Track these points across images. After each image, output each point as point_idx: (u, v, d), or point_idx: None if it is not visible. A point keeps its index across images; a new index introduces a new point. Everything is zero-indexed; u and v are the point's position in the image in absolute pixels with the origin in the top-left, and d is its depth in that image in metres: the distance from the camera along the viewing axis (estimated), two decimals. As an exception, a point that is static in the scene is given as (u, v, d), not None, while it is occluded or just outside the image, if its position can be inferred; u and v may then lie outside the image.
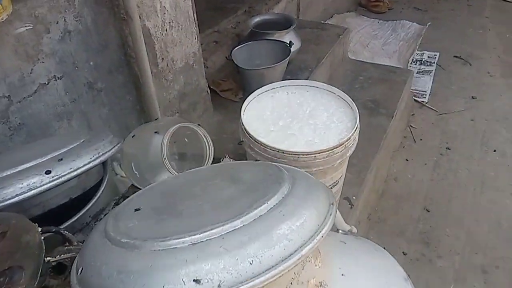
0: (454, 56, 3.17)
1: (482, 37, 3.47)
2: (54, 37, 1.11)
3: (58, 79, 1.17)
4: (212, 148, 0.87)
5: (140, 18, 1.30)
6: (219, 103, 2.00)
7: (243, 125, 1.40)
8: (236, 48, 1.98)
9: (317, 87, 1.59)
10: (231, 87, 2.12)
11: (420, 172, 2.18)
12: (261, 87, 1.97)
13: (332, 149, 1.29)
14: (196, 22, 1.61)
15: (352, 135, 1.35)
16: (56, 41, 1.12)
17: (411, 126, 2.49)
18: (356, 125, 1.37)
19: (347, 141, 1.32)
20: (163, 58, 1.47)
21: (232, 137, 1.81)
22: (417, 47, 3.28)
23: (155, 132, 0.82)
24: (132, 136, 0.91)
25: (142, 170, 0.83)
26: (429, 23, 3.60)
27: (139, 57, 1.31)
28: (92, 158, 0.80)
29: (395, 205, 2.00)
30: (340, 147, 1.31)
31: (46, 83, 1.14)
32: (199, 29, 1.64)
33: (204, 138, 0.88)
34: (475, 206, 1.97)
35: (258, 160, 1.36)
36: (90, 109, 1.30)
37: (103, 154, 0.82)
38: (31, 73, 1.09)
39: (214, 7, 2.64)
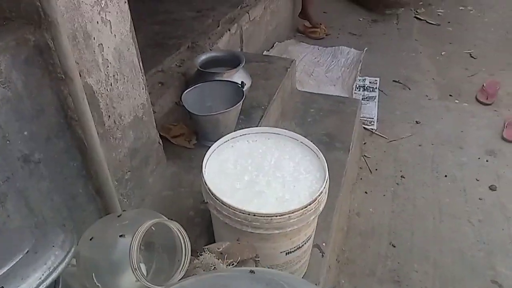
0: (393, 81, 3.28)
1: (415, 60, 3.63)
2: (-23, 111, 0.92)
3: (-15, 158, 0.97)
4: (189, 247, 0.73)
5: (80, 75, 1.14)
6: (172, 152, 1.85)
7: (206, 184, 1.27)
8: (186, 91, 1.85)
9: (278, 134, 1.51)
10: (182, 131, 1.98)
11: (380, 205, 2.17)
12: (216, 131, 1.87)
13: (305, 207, 1.20)
14: (143, 71, 1.47)
15: (324, 188, 1.27)
16: (-21, 114, 0.93)
17: (365, 156, 2.50)
18: (326, 178, 1.29)
19: (319, 195, 1.24)
20: (109, 116, 1.31)
21: (191, 191, 1.67)
22: (358, 73, 3.35)
23: (120, 236, 0.68)
24: (90, 239, 0.75)
25: (106, 281, 0.68)
26: (366, 48, 3.70)
27: (83, 119, 1.14)
28: (43, 277, 0.63)
29: (361, 243, 1.95)
30: (314, 203, 1.22)
31: (-31, 165, 0.94)
32: (143, 72, 1.50)
33: (180, 236, 0.74)
34: (437, 236, 1.98)
35: (226, 223, 1.23)
36: (27, 185, 1.10)
37: (55, 268, 0.65)
38: None
39: (154, 43, 2.49)
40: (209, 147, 1.84)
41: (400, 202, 2.19)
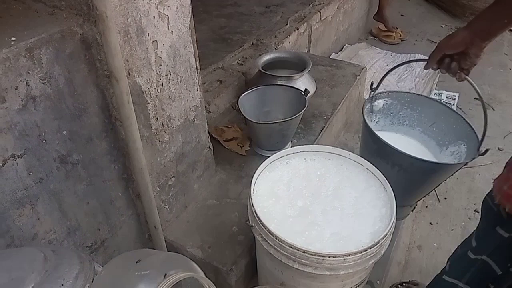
0: (475, 98, 2.93)
1: (503, 77, 3.23)
2: (12, 107, 0.84)
3: (18, 157, 0.89)
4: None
5: (129, 74, 1.03)
6: (222, 157, 1.73)
7: (253, 207, 1.13)
8: (243, 94, 1.72)
9: (341, 156, 1.33)
10: (236, 135, 1.85)
11: (447, 240, 1.91)
12: (272, 140, 1.72)
13: (365, 250, 1.02)
14: (199, 70, 1.35)
15: (389, 230, 1.08)
16: (14, 111, 0.85)
17: (434, 181, 2.23)
18: (393, 218, 1.10)
19: (383, 238, 1.06)
20: (157, 118, 1.21)
21: (237, 203, 1.53)
22: (435, 85, 3.04)
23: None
24: (103, 276, 0.63)
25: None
26: (446, 59, 3.35)
27: (126, 122, 1.04)
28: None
29: (420, 282, 1.72)
30: (375, 247, 1.04)
31: (1, 164, 0.86)
32: (200, 65, 1.37)
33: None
34: None
35: (271, 254, 1.09)
36: (62, 187, 1.02)
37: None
38: (-22, 155, 0.82)
39: (218, 38, 2.39)
40: (263, 156, 1.73)
41: (470, 241, 1.91)
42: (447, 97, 2.95)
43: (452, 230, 1.97)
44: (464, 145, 1.55)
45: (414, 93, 1.71)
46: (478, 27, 1.07)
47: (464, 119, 1.56)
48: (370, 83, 1.61)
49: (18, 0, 0.99)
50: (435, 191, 2.17)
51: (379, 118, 1.73)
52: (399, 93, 1.71)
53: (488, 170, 2.31)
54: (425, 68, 1.25)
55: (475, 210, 2.06)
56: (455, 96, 2.96)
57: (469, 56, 1.11)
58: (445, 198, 2.14)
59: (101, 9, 0.84)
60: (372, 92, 1.61)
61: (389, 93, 1.70)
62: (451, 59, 1.16)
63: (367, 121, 1.50)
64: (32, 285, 0.59)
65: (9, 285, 0.60)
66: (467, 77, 1.19)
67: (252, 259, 1.40)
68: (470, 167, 2.33)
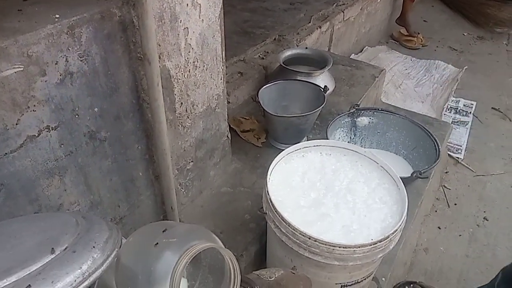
0: (493, 108, 2.93)
1: (522, 88, 3.22)
2: (51, 81, 0.89)
3: (52, 129, 0.94)
4: (239, 279, 0.63)
5: (160, 58, 1.08)
6: (239, 147, 1.77)
7: (268, 194, 1.17)
8: (264, 87, 1.76)
9: (356, 152, 1.36)
10: (253, 127, 1.89)
11: (454, 245, 1.93)
12: (288, 134, 1.76)
13: (375, 243, 1.05)
14: (224, 60, 1.39)
15: (400, 226, 1.11)
16: (53, 85, 0.90)
17: (445, 187, 2.25)
18: (404, 215, 1.13)
19: (393, 233, 1.09)
20: (182, 103, 1.25)
21: (251, 192, 1.58)
22: (453, 92, 3.04)
23: (166, 252, 0.59)
24: (131, 242, 0.68)
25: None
26: (466, 67, 3.36)
27: (154, 104, 1.08)
28: (75, 284, 0.57)
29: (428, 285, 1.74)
30: (385, 241, 1.07)
31: (36, 135, 0.91)
32: (224, 57, 1.42)
33: (231, 266, 0.64)
34: (517, 296, 1.71)
35: (283, 241, 1.13)
36: (89, 162, 1.07)
37: (90, 274, 0.59)
38: (17, 124, 0.86)
39: (241, 31, 2.43)
40: (278, 149, 1.77)
41: (477, 247, 1.93)
42: (464, 105, 2.96)
43: (460, 235, 1.99)
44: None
45: (398, 115, 1.75)
46: None
47: (435, 145, 1.58)
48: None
49: (60, -20, 1.04)
50: (445, 196, 2.19)
51: (365, 135, 1.79)
52: (384, 114, 1.74)
53: (500, 179, 2.32)
54: None
55: (484, 218, 2.08)
56: (473, 104, 2.97)
57: None
58: (455, 204, 2.16)
59: (141, -7, 0.88)
60: (354, 109, 1.67)
61: (374, 112, 1.75)
62: None
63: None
64: (66, 245, 0.63)
65: (45, 243, 0.64)
66: None
67: (262, 247, 1.44)
68: (482, 175, 2.34)
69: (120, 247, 0.68)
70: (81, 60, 0.93)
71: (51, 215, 0.80)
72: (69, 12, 0.89)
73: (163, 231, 0.62)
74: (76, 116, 0.98)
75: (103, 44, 0.97)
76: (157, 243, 0.60)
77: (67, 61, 0.90)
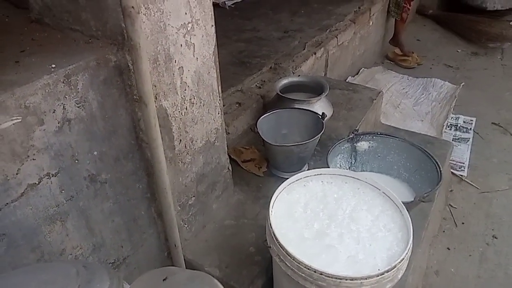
0: (493, 123, 2.93)
1: (520, 102, 3.23)
2: (50, 129, 0.90)
3: (52, 176, 0.95)
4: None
5: (156, 99, 1.09)
6: (240, 177, 1.77)
7: (271, 228, 1.16)
8: (262, 117, 1.77)
9: (357, 179, 1.35)
10: (254, 156, 1.90)
11: (464, 266, 1.90)
12: (289, 162, 1.76)
13: (382, 274, 1.04)
14: (221, 95, 1.41)
15: (406, 254, 1.09)
16: (51, 133, 0.91)
17: (451, 206, 2.22)
18: (410, 242, 1.11)
19: (400, 262, 1.07)
20: (181, 140, 1.26)
21: (254, 224, 1.57)
22: (452, 110, 3.05)
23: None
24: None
25: None
26: (463, 83, 3.37)
27: (153, 144, 1.09)
28: None
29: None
30: (392, 270, 1.05)
31: (37, 182, 0.92)
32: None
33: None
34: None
35: (288, 275, 1.11)
36: (90, 205, 1.07)
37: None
38: (17, 173, 0.87)
39: (237, 62, 2.46)
40: (280, 178, 1.77)
41: (489, 267, 1.89)
42: (464, 122, 2.96)
43: (470, 255, 1.95)
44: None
45: (398, 138, 1.75)
46: None
47: (437, 167, 1.57)
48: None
49: (57, 29, 1.06)
50: (452, 216, 2.17)
51: (365, 159, 1.79)
52: (383, 138, 1.75)
53: (505, 195, 2.29)
54: None
55: (493, 236, 2.04)
56: (472, 120, 2.97)
57: None
58: (463, 223, 2.13)
59: (135, 40, 0.90)
60: (353, 134, 1.69)
61: (374, 136, 1.75)
62: None
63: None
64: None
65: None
66: None
67: (268, 279, 1.42)
68: (488, 192, 2.32)
69: (122, 296, 0.67)
70: (78, 107, 0.95)
71: (52, 266, 0.80)
72: (65, 60, 0.91)
73: (163, 280, 0.61)
74: (76, 161, 0.99)
75: (99, 89, 0.98)
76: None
77: (65, 109, 0.92)
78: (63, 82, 0.90)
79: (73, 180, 1.00)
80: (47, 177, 0.94)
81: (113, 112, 1.04)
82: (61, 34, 1.05)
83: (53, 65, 0.90)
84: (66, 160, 0.97)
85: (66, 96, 0.91)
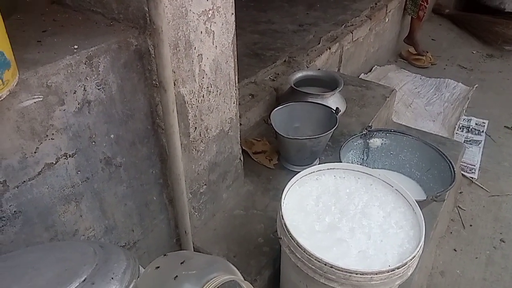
0: (505, 127, 2.90)
1: (535, 106, 3.19)
2: (69, 110, 0.91)
3: (70, 157, 0.95)
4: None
5: (174, 85, 1.09)
6: (251, 168, 1.77)
7: (283, 219, 1.16)
8: (275, 109, 1.76)
9: (370, 175, 1.35)
10: (265, 148, 1.89)
11: (470, 268, 1.89)
12: (301, 156, 1.76)
13: (393, 270, 1.04)
14: (237, 84, 1.40)
15: (418, 252, 1.09)
16: (71, 113, 0.91)
17: (459, 207, 2.21)
18: (421, 240, 1.11)
19: (411, 260, 1.07)
20: (196, 127, 1.26)
21: (263, 215, 1.57)
22: (464, 111, 3.02)
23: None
24: (149, 274, 0.68)
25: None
26: (476, 85, 3.34)
27: (169, 130, 1.09)
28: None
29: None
30: (403, 267, 1.05)
31: (54, 162, 0.92)
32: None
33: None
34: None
35: (298, 266, 1.11)
36: (104, 187, 1.08)
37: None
38: (35, 152, 0.88)
39: (252, 53, 2.45)
40: (290, 171, 1.77)
41: (495, 270, 1.89)
42: (476, 124, 2.94)
43: (477, 258, 1.95)
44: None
45: (412, 136, 1.73)
46: None
47: (451, 167, 1.55)
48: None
49: (78, 11, 1.06)
50: (460, 217, 2.16)
51: (377, 156, 1.78)
52: (397, 135, 1.73)
53: (516, 200, 2.28)
54: None
55: (501, 240, 2.03)
56: (485, 123, 2.94)
57: None
58: (471, 225, 2.12)
59: (157, 24, 0.90)
60: (366, 130, 1.68)
61: (387, 134, 1.74)
62: None
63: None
64: (85, 276, 0.64)
65: (64, 275, 0.64)
66: None
67: (275, 271, 1.42)
68: (497, 195, 2.30)
69: (138, 277, 0.68)
70: (98, 89, 0.95)
71: (69, 244, 0.80)
72: (87, 42, 0.91)
73: (181, 263, 0.61)
74: (93, 143, 1.00)
75: (119, 72, 0.98)
76: (177, 276, 0.60)
77: (85, 90, 0.92)
78: (85, 64, 0.90)
79: (89, 162, 1.01)
80: (64, 157, 0.94)
81: (131, 96, 1.04)
82: (82, 16, 1.04)
83: (76, 46, 0.90)
84: (84, 141, 0.97)
85: (88, 78, 0.91)
